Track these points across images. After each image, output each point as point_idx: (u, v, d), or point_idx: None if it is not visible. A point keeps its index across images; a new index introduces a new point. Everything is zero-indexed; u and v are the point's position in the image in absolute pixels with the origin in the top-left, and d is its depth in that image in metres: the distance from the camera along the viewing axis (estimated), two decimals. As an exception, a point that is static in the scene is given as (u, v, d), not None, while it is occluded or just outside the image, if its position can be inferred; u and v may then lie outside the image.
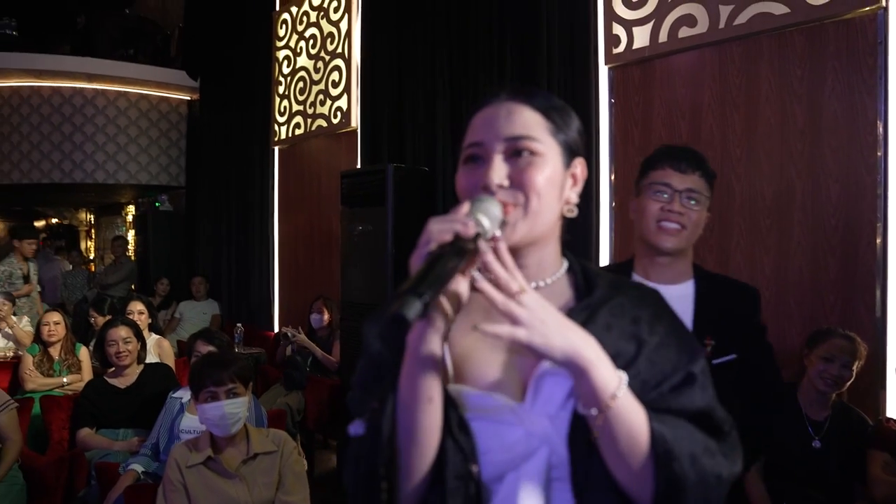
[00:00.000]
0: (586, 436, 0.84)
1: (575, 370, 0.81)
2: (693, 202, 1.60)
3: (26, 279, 5.93)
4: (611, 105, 3.66)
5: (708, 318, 1.62)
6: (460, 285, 0.83)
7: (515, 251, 0.94)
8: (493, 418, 0.88)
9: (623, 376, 0.83)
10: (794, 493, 2.36)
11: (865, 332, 2.65)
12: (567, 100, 3.68)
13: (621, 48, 3.55)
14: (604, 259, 3.65)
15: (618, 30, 3.56)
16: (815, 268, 2.91)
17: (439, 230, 0.79)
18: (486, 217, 0.84)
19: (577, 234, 3.66)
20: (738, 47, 3.16)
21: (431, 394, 0.84)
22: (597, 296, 0.95)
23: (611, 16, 3.59)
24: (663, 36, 3.38)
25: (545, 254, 0.97)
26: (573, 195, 0.98)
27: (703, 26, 3.23)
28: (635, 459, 0.82)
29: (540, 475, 0.87)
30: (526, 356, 0.92)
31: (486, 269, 0.81)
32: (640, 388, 0.86)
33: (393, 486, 0.86)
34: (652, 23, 3.42)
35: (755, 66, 3.11)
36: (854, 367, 2.36)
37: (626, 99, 3.60)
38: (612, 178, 3.66)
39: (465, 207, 0.84)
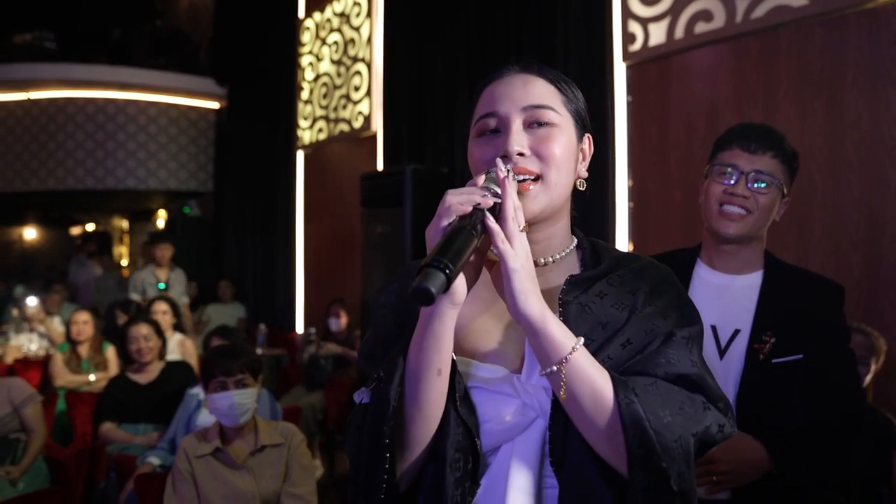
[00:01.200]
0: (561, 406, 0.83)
1: (528, 328, 0.81)
2: (762, 185, 1.48)
3: (165, 286, 5.72)
4: (628, 103, 3.63)
5: (772, 313, 1.49)
6: (477, 257, 0.82)
7: (528, 226, 0.94)
8: (490, 388, 0.88)
9: (580, 339, 0.82)
10: (816, 495, 2.29)
11: (891, 331, 2.58)
12: (584, 98, 3.72)
13: (637, 45, 3.52)
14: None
15: (634, 27, 3.53)
16: (837, 265, 2.84)
17: (459, 202, 0.79)
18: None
19: (592, 233, 3.65)
20: (755, 42, 3.11)
21: (441, 366, 0.84)
22: (601, 269, 0.94)
23: (627, 13, 3.56)
24: (679, 32, 3.34)
25: (556, 230, 0.97)
26: (583, 170, 0.98)
27: (719, 21, 3.19)
28: (602, 420, 0.80)
29: (535, 447, 0.86)
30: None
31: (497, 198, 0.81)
32: (627, 356, 0.85)
33: (395, 456, 0.86)
34: (668, 19, 3.39)
35: (773, 61, 3.06)
36: (872, 363, 2.29)
37: (642, 97, 3.57)
38: (629, 176, 3.62)
39: (481, 179, 0.84)
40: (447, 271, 0.70)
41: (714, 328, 1.55)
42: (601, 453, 0.83)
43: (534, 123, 0.92)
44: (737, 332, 1.53)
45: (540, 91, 0.94)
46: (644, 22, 3.50)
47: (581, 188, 0.98)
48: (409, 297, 0.70)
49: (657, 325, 0.88)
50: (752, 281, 1.55)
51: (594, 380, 0.81)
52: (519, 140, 0.90)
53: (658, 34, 3.44)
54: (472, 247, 0.75)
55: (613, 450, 0.81)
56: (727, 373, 1.51)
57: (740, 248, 1.54)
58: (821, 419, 1.46)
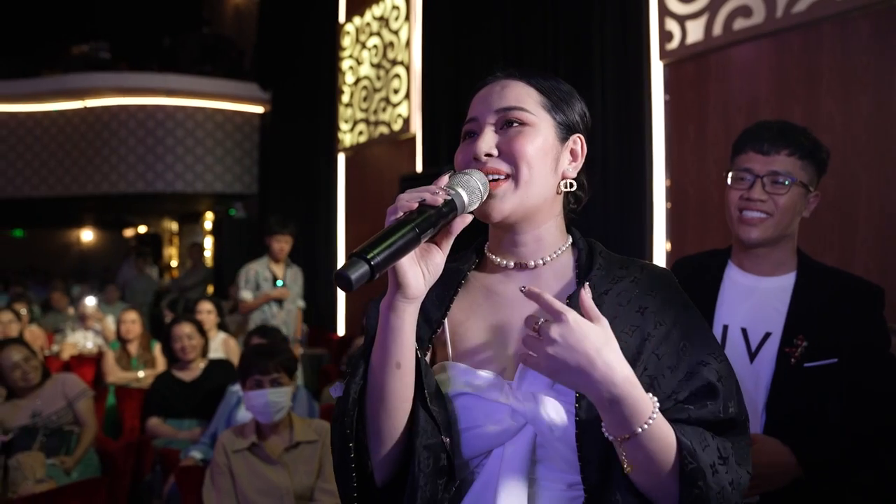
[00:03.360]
0: (599, 439, 0.84)
1: (601, 404, 0.81)
2: (779, 186, 1.44)
3: (275, 282, 4.59)
4: (665, 102, 3.58)
5: (804, 316, 1.45)
6: (434, 255, 0.84)
7: (510, 227, 0.96)
8: (481, 394, 0.89)
9: (655, 403, 0.81)
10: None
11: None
12: (621, 98, 3.70)
13: (675, 44, 3.47)
14: (658, 261, 3.57)
15: (671, 25, 3.48)
16: (883, 266, 2.74)
17: (407, 199, 0.81)
18: (465, 189, 0.84)
19: (630, 235, 3.63)
20: (797, 37, 3.03)
21: (399, 359, 0.85)
22: (596, 277, 0.94)
23: (664, 11, 3.52)
24: (718, 29, 3.28)
25: (543, 231, 0.97)
26: (571, 170, 0.98)
27: (759, 17, 3.12)
28: (660, 474, 0.82)
29: (525, 454, 0.87)
30: (520, 336, 0.93)
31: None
32: (648, 384, 0.85)
33: (362, 447, 0.89)
34: (706, 16, 3.33)
35: (816, 56, 2.98)
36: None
37: (680, 95, 3.52)
38: (667, 176, 3.57)
39: (444, 179, 0.86)
40: (371, 262, 0.72)
41: (744, 331, 1.52)
42: (642, 487, 0.85)
43: (505, 124, 0.93)
44: (768, 335, 1.50)
45: (515, 93, 0.95)
46: (681, 19, 3.44)
47: (567, 189, 0.97)
48: (335, 281, 0.72)
49: (674, 351, 0.90)
50: (784, 283, 1.51)
51: (663, 440, 0.82)
52: (487, 142, 0.92)
53: (696, 31, 3.39)
54: (407, 241, 0.76)
55: (660, 491, 0.84)
56: (757, 377, 1.48)
57: (769, 249, 1.51)
58: (854, 427, 1.42)
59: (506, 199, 0.91)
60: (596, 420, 0.83)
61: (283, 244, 4.52)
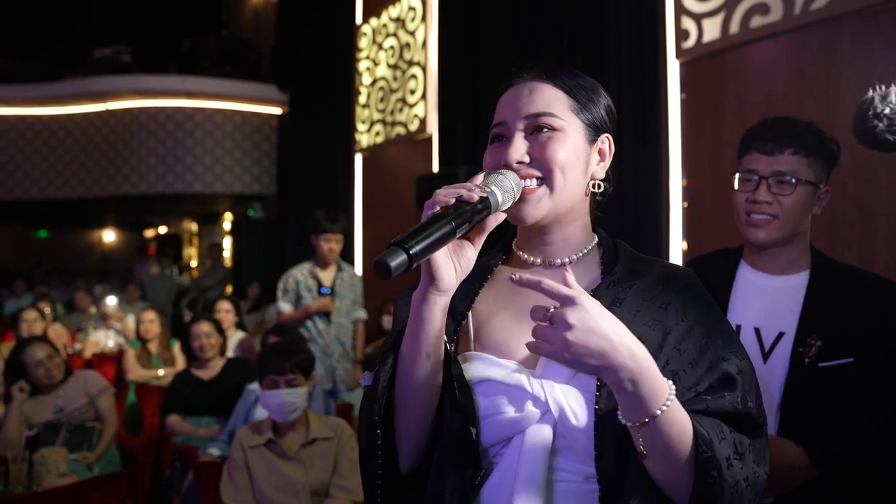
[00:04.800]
0: (616, 432, 0.85)
1: (620, 387, 0.81)
2: (784, 187, 1.42)
3: (331, 291, 3.82)
4: (681, 101, 3.56)
5: (818, 315, 1.43)
6: (467, 250, 0.86)
7: (541, 228, 0.98)
8: (503, 382, 0.90)
9: (671, 387, 0.82)
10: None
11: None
12: (637, 97, 3.68)
13: (691, 42, 3.45)
14: (674, 261, 3.55)
15: (687, 23, 3.47)
16: (904, 265, 2.71)
17: (444, 194, 0.83)
18: (499, 189, 0.86)
19: (646, 234, 3.62)
20: (815, 33, 3.00)
21: (429, 350, 0.88)
22: (619, 272, 0.95)
23: (680, 9, 3.50)
24: (735, 27, 3.26)
25: (571, 230, 0.99)
26: (600, 171, 0.99)
27: (777, 14, 3.09)
28: (676, 463, 0.83)
29: (545, 442, 0.88)
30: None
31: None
32: (669, 378, 0.86)
33: (390, 436, 0.91)
34: (722, 14, 3.31)
35: (835, 52, 2.94)
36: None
37: (696, 94, 3.50)
38: (683, 175, 3.55)
39: (479, 178, 0.88)
40: (410, 251, 0.74)
41: (757, 330, 1.51)
42: (656, 477, 0.86)
43: (535, 130, 0.94)
44: (781, 334, 1.48)
45: (543, 97, 0.96)
46: (697, 18, 3.42)
47: (596, 189, 0.99)
48: (374, 269, 0.74)
49: (695, 346, 0.91)
50: (797, 281, 1.49)
51: (679, 425, 0.83)
52: (518, 149, 0.94)
53: (712, 30, 3.36)
54: (444, 234, 0.78)
55: (674, 481, 0.85)
56: (771, 377, 1.46)
57: (781, 248, 1.49)
58: (870, 427, 1.40)
59: (541, 204, 0.93)
60: (614, 411, 0.84)
61: (332, 244, 3.73)
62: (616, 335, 0.78)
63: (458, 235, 0.81)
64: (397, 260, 0.73)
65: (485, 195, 0.83)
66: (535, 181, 0.92)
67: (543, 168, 0.93)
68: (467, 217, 0.81)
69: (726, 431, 0.86)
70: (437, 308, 0.86)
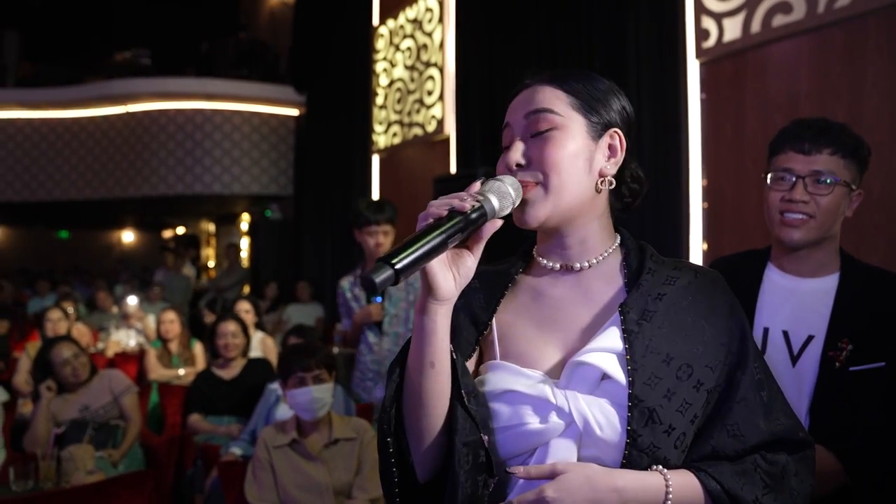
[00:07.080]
0: (645, 451, 0.88)
1: None
2: (822, 186, 1.41)
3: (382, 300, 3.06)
4: (701, 101, 3.54)
5: (848, 318, 1.41)
6: (465, 259, 0.87)
7: (554, 230, 0.97)
8: (527, 393, 0.91)
9: (664, 475, 0.87)
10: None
11: None
12: (656, 97, 3.67)
13: (711, 42, 3.43)
14: (695, 260, 3.53)
15: (707, 23, 3.45)
16: (931, 267, 2.67)
17: (438, 205, 0.83)
18: (495, 194, 0.86)
19: (666, 235, 3.60)
20: (839, 32, 2.97)
21: (433, 359, 0.88)
22: (647, 282, 0.95)
23: (700, 9, 3.48)
24: (756, 26, 3.23)
25: (588, 232, 0.98)
26: (610, 167, 0.97)
27: (799, 13, 3.06)
28: None
29: (569, 453, 0.89)
30: (567, 337, 0.95)
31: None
32: (703, 399, 0.90)
33: (402, 445, 0.92)
34: (744, 13, 3.29)
35: (860, 51, 2.91)
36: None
37: (717, 94, 3.48)
38: (704, 176, 3.53)
39: (476, 186, 0.88)
40: (395, 266, 0.75)
41: (786, 334, 1.49)
42: None
43: (534, 131, 0.95)
44: (810, 338, 1.46)
45: (543, 97, 0.96)
46: (718, 17, 3.40)
47: (608, 187, 0.98)
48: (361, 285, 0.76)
49: (719, 359, 0.92)
50: (826, 284, 1.47)
51: (696, 493, 0.89)
52: (516, 152, 0.95)
53: (733, 29, 3.34)
54: (434, 245, 0.79)
55: None
56: (800, 381, 1.44)
57: (811, 250, 1.47)
58: None
59: (538, 204, 0.93)
60: (645, 429, 0.87)
61: (379, 237, 3.01)
62: (592, 489, 0.85)
63: (452, 246, 0.82)
64: (383, 276, 0.74)
65: (478, 204, 0.84)
66: (532, 183, 0.93)
67: (539, 169, 0.93)
68: (460, 227, 0.81)
69: (750, 470, 0.90)
70: (438, 317, 0.86)
